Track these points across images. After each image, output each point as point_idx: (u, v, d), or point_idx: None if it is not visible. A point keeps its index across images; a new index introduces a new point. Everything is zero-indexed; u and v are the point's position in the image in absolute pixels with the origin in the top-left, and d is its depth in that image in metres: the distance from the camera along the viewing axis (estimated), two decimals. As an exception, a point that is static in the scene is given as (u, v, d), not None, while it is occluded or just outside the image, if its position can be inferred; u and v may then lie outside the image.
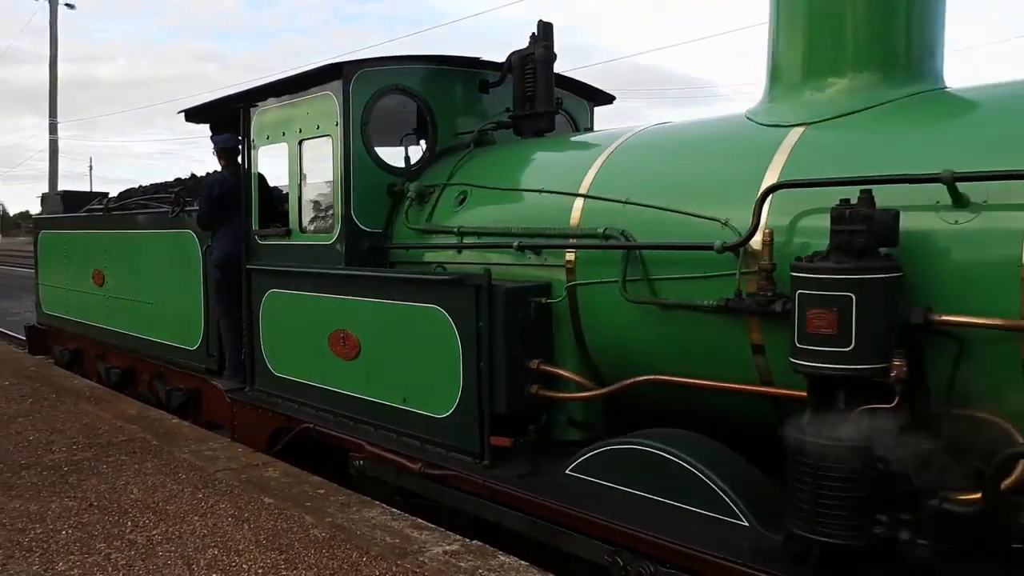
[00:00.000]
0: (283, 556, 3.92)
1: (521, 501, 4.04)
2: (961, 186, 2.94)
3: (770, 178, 3.54)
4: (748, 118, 4.01)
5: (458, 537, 4.07)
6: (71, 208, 9.65)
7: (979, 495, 2.76)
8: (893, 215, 2.96)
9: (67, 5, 31.52)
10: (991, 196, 2.90)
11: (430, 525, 4.26)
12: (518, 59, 5.55)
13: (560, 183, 4.50)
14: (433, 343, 4.57)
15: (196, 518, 4.45)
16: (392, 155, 5.90)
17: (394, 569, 3.74)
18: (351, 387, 5.23)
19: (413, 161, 5.85)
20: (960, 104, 3.51)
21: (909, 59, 3.72)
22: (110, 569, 3.85)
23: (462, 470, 4.35)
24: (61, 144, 32.30)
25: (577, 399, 4.27)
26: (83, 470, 5.35)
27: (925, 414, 2.99)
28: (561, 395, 4.28)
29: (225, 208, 6.31)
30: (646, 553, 3.53)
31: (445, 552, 3.89)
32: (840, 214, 2.95)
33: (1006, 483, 2.74)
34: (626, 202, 4.08)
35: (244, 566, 3.84)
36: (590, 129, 6.43)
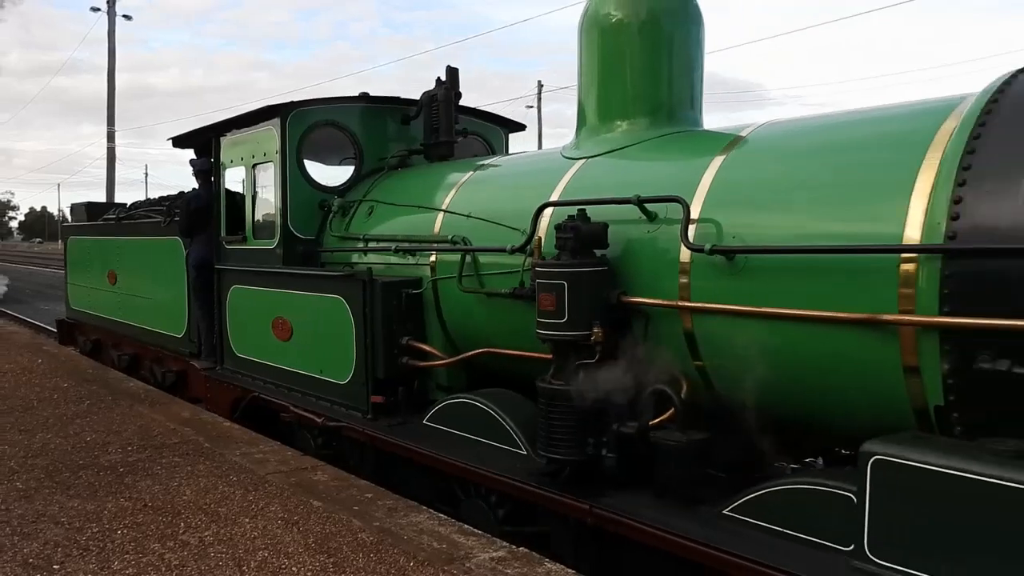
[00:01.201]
0: (332, 559, 3.94)
1: (388, 443, 5.32)
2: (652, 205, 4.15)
3: (552, 198, 4.77)
4: (561, 153, 5.24)
5: (504, 544, 4.08)
6: (93, 218, 11.19)
7: (636, 425, 3.95)
8: (603, 226, 4.18)
9: (124, 16, 32.09)
10: (669, 212, 4.10)
11: (476, 531, 4.28)
12: (427, 98, 6.83)
13: (431, 200, 5.77)
14: (337, 325, 5.86)
15: (247, 520, 4.47)
16: (338, 172, 7.24)
17: (441, 574, 3.74)
18: (286, 362, 6.55)
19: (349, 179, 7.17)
20: (691, 141, 4.67)
21: (671, 108, 4.91)
22: (163, 569, 3.88)
23: (352, 423, 5.65)
24: (118, 151, 33.47)
25: (436, 367, 5.53)
26: (138, 471, 5.41)
27: (629, 366, 4.19)
28: (421, 363, 5.54)
29: (201, 219, 7.67)
30: (464, 479, 4.79)
31: (491, 559, 3.88)
32: (561, 225, 4.18)
33: (656, 420, 3.94)
34: (468, 215, 5.34)
35: (294, 568, 3.86)
36: (505, 152, 7.71)
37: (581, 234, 4.12)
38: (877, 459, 2.98)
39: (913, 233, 3.17)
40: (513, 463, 4.59)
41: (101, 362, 10.45)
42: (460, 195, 5.61)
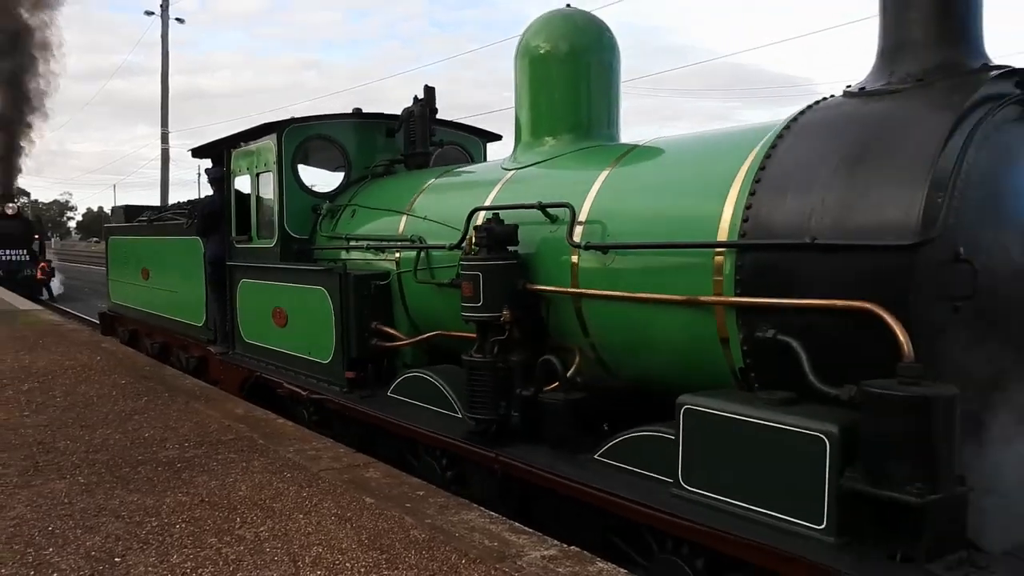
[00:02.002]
0: (384, 556, 3.97)
1: (359, 413, 6.29)
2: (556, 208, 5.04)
3: (486, 203, 5.68)
4: (500, 164, 6.14)
5: (555, 542, 4.10)
6: (129, 219, 12.38)
7: (532, 389, 4.85)
8: (513, 227, 5.09)
9: (177, 20, 32.81)
10: (566, 215, 4.98)
11: (528, 529, 4.31)
12: (406, 114, 7.78)
13: (398, 205, 6.72)
14: (321, 313, 6.83)
15: (301, 516, 4.52)
16: (333, 178, 8.23)
17: (492, 572, 3.75)
18: (282, 346, 7.55)
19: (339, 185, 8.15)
20: (598, 154, 5.51)
21: (589, 125, 5.79)
22: (220, 563, 3.93)
23: (331, 395, 6.62)
24: (172, 152, 34.68)
25: (399, 347, 6.47)
26: (194, 467, 5.50)
27: (539, 342, 5.09)
28: (387, 344, 6.48)
29: (214, 221, 8.72)
30: (416, 441, 5.73)
31: (543, 557, 3.89)
32: (478, 227, 5.10)
33: (548, 387, 4.83)
34: (424, 218, 6.28)
35: (347, 564, 3.90)
36: (483, 159, 8.63)
37: (494, 234, 5.03)
38: (686, 408, 3.85)
39: (724, 231, 4.02)
40: (452, 425, 5.52)
41: (137, 350, 11.62)
42: (420, 200, 6.55)
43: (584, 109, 5.81)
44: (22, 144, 34.26)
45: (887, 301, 3.28)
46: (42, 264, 29.58)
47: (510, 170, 5.91)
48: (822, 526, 3.30)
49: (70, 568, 3.89)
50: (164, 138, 32.43)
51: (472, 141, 8.66)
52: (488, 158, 8.72)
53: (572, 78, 5.79)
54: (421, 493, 4.90)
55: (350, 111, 8.25)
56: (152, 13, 31.58)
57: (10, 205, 31.45)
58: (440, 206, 6.26)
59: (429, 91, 7.82)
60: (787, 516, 3.43)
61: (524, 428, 4.95)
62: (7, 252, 29.24)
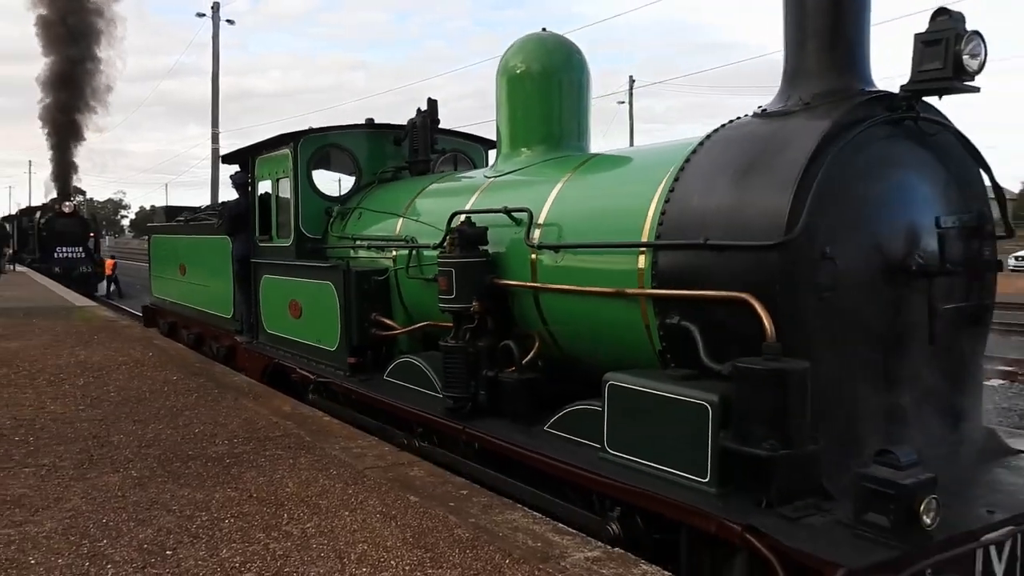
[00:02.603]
0: (428, 554, 4.00)
1: (357, 394, 7.05)
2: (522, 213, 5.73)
3: (467, 207, 6.39)
4: (483, 172, 6.85)
5: (599, 544, 4.14)
6: (169, 219, 13.34)
7: (495, 371, 5.55)
8: (483, 229, 5.79)
9: (228, 21, 32.98)
10: (524, 219, 5.66)
11: (571, 530, 4.35)
12: (410, 125, 8.53)
13: (396, 208, 7.47)
14: (329, 305, 7.60)
15: (347, 513, 4.58)
16: (347, 182, 9.01)
17: (536, 573, 3.77)
18: (297, 335, 8.35)
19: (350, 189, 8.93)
20: (563, 163, 6.16)
21: (560, 137, 6.47)
22: (268, 559, 3.99)
23: (335, 379, 7.40)
24: (222, 152, 35.37)
25: (394, 335, 7.21)
26: (243, 463, 5.59)
27: (507, 330, 5.79)
28: (384, 333, 7.23)
29: (240, 222, 9.57)
30: (404, 419, 6.47)
31: (587, 558, 3.91)
32: (452, 229, 5.82)
33: (508, 370, 5.53)
34: (418, 220, 7.02)
35: (392, 562, 3.94)
36: (485, 164, 9.34)
37: (465, 235, 5.75)
38: (610, 384, 4.52)
39: (646, 232, 4.69)
40: (433, 403, 6.24)
41: (176, 340, 12.56)
42: (415, 204, 7.30)
43: (555, 122, 6.50)
44: (79, 143, 35.81)
45: (759, 292, 3.93)
46: (111, 261, 30.88)
47: (490, 178, 6.62)
48: (707, 479, 3.96)
49: (123, 560, 4.00)
50: (215, 138, 32.74)
51: (474, 148, 9.38)
52: (490, 163, 9.43)
53: (544, 95, 6.48)
54: (465, 492, 4.94)
55: (364, 120, 9.03)
56: (203, 15, 32.08)
57: (67, 204, 32.87)
58: (430, 209, 7.00)
59: (432, 103, 8.56)
60: (683, 472, 4.09)
61: (490, 404, 5.65)
62: (64, 250, 30.60)
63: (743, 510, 3.73)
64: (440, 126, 8.66)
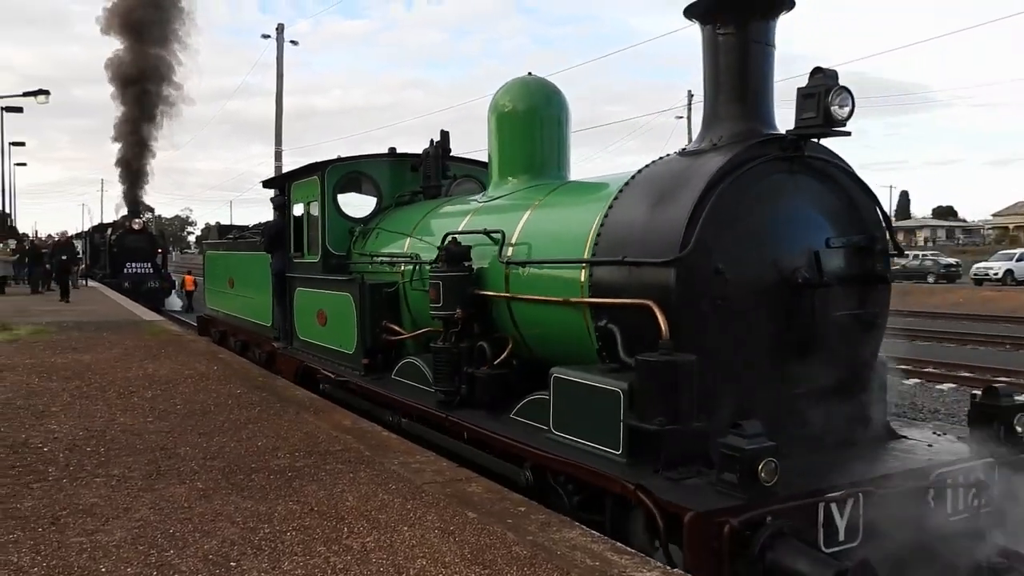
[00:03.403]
0: (487, 571, 4.01)
1: (368, 390, 8.10)
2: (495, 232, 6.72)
3: (459, 228, 7.40)
4: (477, 198, 7.86)
5: (658, 564, 4.13)
6: (221, 236, 14.65)
7: (473, 368, 6.53)
8: (466, 248, 6.79)
9: (291, 42, 34.02)
10: (499, 239, 6.63)
11: (629, 550, 4.33)
12: (424, 154, 9.60)
13: (406, 228, 8.52)
14: (347, 313, 8.67)
15: (405, 528, 4.61)
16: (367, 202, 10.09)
17: None
18: (323, 340, 9.44)
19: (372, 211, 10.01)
20: (539, 190, 7.12)
21: (541, 168, 7.45)
22: (329, 572, 4.03)
23: (352, 378, 8.46)
24: (284, 170, 35.89)
25: (401, 339, 8.23)
26: (304, 476, 5.66)
27: (488, 333, 6.75)
28: (393, 338, 8.26)
29: (278, 240, 10.73)
30: (406, 412, 7.48)
31: None
32: (439, 247, 6.82)
33: (483, 368, 6.49)
34: (422, 239, 8.05)
35: None
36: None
37: (451, 253, 6.76)
38: (555, 376, 5.46)
39: (587, 251, 5.62)
40: (429, 397, 7.23)
41: (225, 347, 13.80)
42: (420, 225, 8.34)
43: (537, 154, 7.48)
44: (149, 162, 37.80)
45: (660, 300, 4.84)
46: (189, 278, 32.41)
47: (480, 203, 7.63)
48: (620, 452, 4.87)
49: (189, 570, 4.06)
50: (278, 156, 33.64)
51: (484, 173, 10.38)
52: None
53: (527, 131, 7.48)
54: (523, 509, 4.95)
55: (387, 150, 10.14)
56: (268, 36, 33.32)
57: (137, 220, 34.60)
58: (432, 230, 8.03)
59: (444, 135, 9.63)
60: (604, 447, 5.00)
61: (469, 396, 6.63)
62: (133, 265, 32.20)
63: (640, 475, 4.63)
64: (452, 154, 9.73)
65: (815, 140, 5.22)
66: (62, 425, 7.25)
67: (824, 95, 4.87)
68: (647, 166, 5.69)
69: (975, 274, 42.34)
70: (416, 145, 9.64)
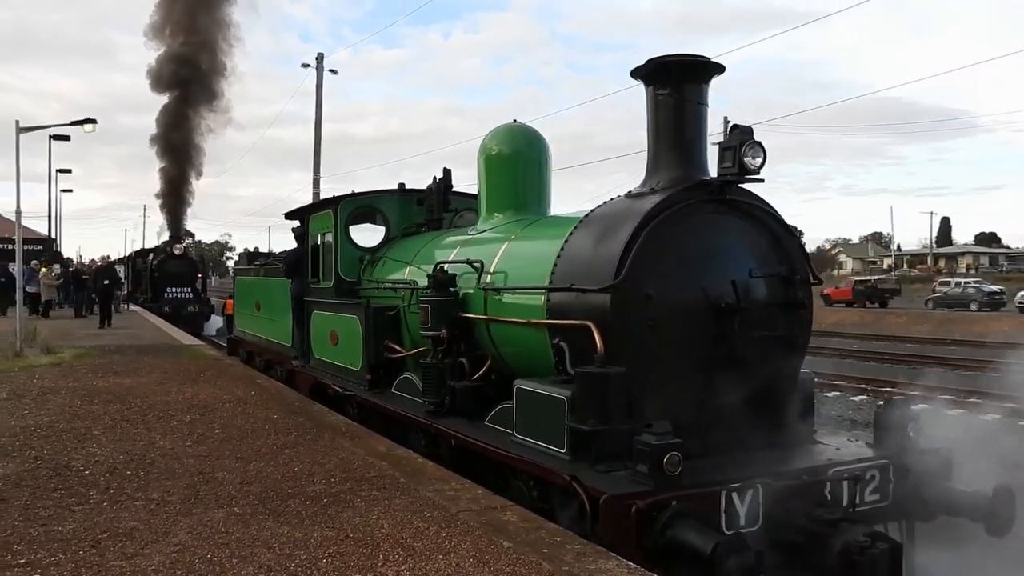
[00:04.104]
0: None
1: (370, 403, 9.02)
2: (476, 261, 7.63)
3: (450, 258, 8.33)
4: (467, 231, 8.80)
5: None
6: (251, 262, 15.77)
7: (454, 381, 7.42)
8: (452, 275, 7.72)
9: (331, 71, 34.53)
10: (483, 267, 7.55)
11: None
12: (428, 190, 10.57)
13: (407, 257, 9.48)
14: (355, 333, 9.62)
15: (440, 556, 4.58)
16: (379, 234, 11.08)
17: None
18: (335, 359, 10.40)
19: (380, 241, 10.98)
20: (518, 224, 8.03)
21: (523, 204, 8.37)
22: None
23: (358, 392, 9.40)
24: (323, 196, 36.05)
25: (401, 357, 9.15)
26: (340, 502, 5.64)
27: (471, 351, 7.65)
28: (393, 356, 9.18)
29: (298, 267, 11.75)
30: (407, 423, 8.39)
31: None
32: (428, 275, 7.76)
33: (465, 381, 7.39)
34: (419, 267, 8.99)
35: None
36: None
37: (438, 280, 7.70)
38: (517, 387, 6.34)
39: (547, 279, 6.51)
40: (418, 408, 8.12)
41: (252, 366, 14.82)
42: (420, 254, 9.30)
43: (521, 193, 8.41)
44: (190, 189, 39.05)
45: (598, 321, 5.72)
46: (230, 302, 33.36)
47: (469, 235, 8.56)
48: (564, 450, 5.73)
49: None
50: (316, 183, 33.90)
51: (485, 206, 11.34)
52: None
53: (511, 172, 8.42)
54: (559, 539, 4.92)
55: (396, 186, 11.14)
56: (308, 65, 33.73)
57: (177, 246, 35.55)
58: (428, 259, 8.98)
59: (446, 172, 10.60)
60: (553, 447, 5.86)
61: (452, 406, 7.52)
62: (174, 290, 33.04)
63: (577, 468, 5.48)
64: (454, 189, 10.70)
65: (740, 186, 6.07)
66: (103, 448, 7.39)
67: (739, 148, 5.75)
68: (599, 206, 6.58)
69: (1020, 302, 41.20)
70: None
